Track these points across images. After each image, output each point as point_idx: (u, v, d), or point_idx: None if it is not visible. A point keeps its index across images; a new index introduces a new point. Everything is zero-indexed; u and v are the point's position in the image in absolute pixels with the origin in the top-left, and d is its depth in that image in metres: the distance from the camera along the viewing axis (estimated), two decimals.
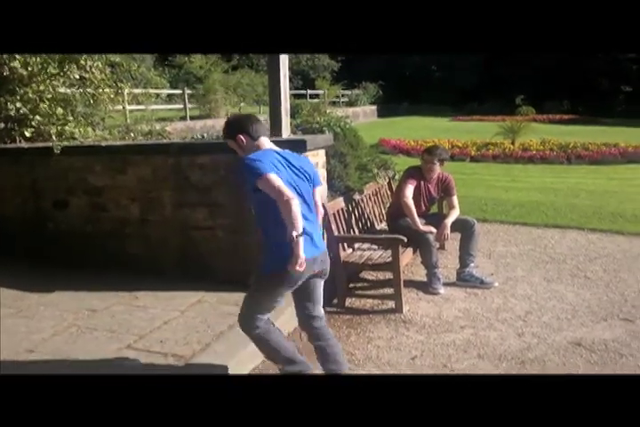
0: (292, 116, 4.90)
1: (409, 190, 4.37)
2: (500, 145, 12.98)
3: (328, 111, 5.13)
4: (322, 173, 4.17)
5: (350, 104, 29.32)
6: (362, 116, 29.03)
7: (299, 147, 3.77)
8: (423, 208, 4.60)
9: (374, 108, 31.54)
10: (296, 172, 2.51)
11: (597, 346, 3.31)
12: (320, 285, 2.71)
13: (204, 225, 4.03)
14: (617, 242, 5.58)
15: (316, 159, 4.05)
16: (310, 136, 4.27)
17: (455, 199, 4.65)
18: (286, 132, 4.15)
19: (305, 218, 2.41)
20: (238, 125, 2.60)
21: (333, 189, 4.55)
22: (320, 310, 2.76)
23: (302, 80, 28.80)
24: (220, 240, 3.99)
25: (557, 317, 3.77)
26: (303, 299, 2.70)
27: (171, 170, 4.09)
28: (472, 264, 4.46)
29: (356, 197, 4.69)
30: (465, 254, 4.47)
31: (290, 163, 2.51)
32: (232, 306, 3.48)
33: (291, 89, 21.93)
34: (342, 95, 28.86)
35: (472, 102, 33.78)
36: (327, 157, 4.46)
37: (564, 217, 6.56)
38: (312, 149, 3.90)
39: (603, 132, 18.56)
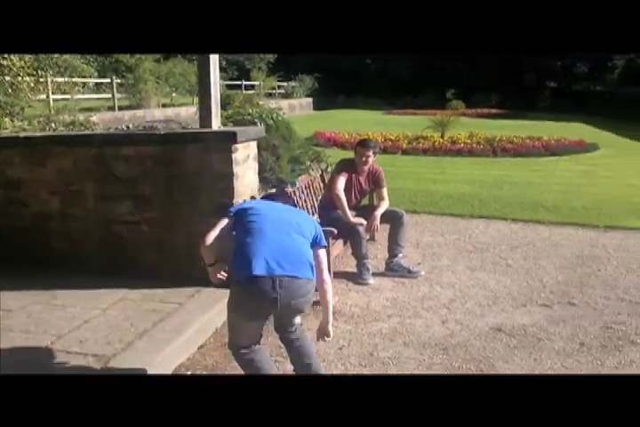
0: (224, 107, 4.82)
1: (341, 183, 4.41)
2: (431, 138, 13.31)
3: (261, 103, 5.06)
4: (253, 166, 4.15)
5: (286, 96, 29.21)
6: (298, 108, 28.99)
7: (228, 138, 3.75)
8: (354, 200, 4.66)
9: (310, 100, 31.58)
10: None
11: (517, 331, 3.48)
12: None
13: (128, 219, 3.92)
14: (538, 231, 5.86)
15: (247, 151, 4.02)
16: (241, 128, 4.23)
17: (385, 191, 4.74)
18: (216, 124, 4.09)
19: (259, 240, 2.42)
20: None
21: (265, 182, 4.53)
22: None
23: (238, 71, 28.37)
24: (146, 235, 3.89)
25: (480, 303, 3.92)
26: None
27: (93, 162, 3.95)
28: (400, 254, 4.56)
29: (289, 189, 4.69)
30: (394, 245, 4.57)
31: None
32: (157, 303, 3.42)
33: (226, 79, 21.61)
34: (278, 87, 28.71)
35: (406, 96, 34.43)
36: (259, 150, 4.44)
37: (489, 208, 6.83)
38: (243, 140, 3.86)
39: (528, 127, 19.38)
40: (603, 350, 3.19)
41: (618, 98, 27.93)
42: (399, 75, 35.83)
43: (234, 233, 2.59)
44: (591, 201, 7.16)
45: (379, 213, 4.52)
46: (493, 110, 29.28)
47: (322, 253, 2.63)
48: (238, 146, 3.78)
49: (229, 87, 21.45)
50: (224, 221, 2.62)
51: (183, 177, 3.79)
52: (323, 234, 2.69)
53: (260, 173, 4.33)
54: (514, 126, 19.34)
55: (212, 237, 2.57)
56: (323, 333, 2.72)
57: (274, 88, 27.95)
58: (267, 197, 2.93)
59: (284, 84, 29.45)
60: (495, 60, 32.98)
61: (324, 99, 32.92)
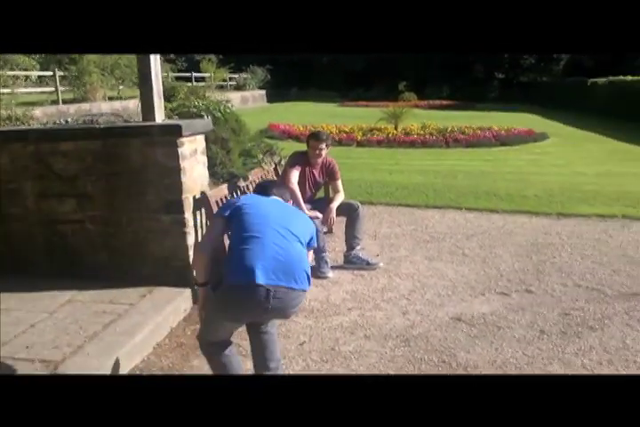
0: (168, 99, 4.62)
1: (294, 176, 4.31)
2: (384, 130, 13.34)
3: (208, 95, 4.88)
4: (202, 160, 3.99)
5: (238, 88, 28.80)
6: (251, 100, 28.63)
7: (173, 132, 3.58)
8: (309, 193, 4.57)
9: (263, 92, 31.25)
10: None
11: (476, 320, 3.46)
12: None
13: (71, 218, 3.70)
14: (492, 220, 5.91)
15: (194, 145, 3.85)
16: (187, 121, 4.04)
17: (340, 184, 4.67)
18: (160, 117, 3.89)
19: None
20: None
21: (216, 177, 4.38)
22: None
23: (187, 62, 27.70)
24: (91, 234, 3.68)
25: (439, 293, 3.90)
26: None
27: (30, 158, 3.70)
28: (358, 247, 4.50)
29: (241, 183, 4.55)
30: (351, 237, 4.50)
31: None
32: (107, 304, 3.24)
33: (174, 71, 21.06)
34: (230, 79, 28.24)
35: (359, 88, 34.51)
36: (208, 143, 4.27)
37: (444, 197, 6.86)
38: (189, 134, 3.70)
39: (478, 117, 19.72)
40: (563, 337, 3.21)
41: (563, 88, 28.73)
42: (352, 67, 35.86)
43: (228, 233, 2.51)
44: (543, 189, 7.29)
45: (334, 205, 4.44)
46: (444, 102, 29.69)
47: (310, 253, 2.63)
48: (184, 140, 3.62)
49: (178, 79, 20.93)
50: (218, 225, 2.54)
51: (127, 173, 3.60)
52: (316, 235, 2.64)
53: (209, 168, 4.16)
54: (465, 117, 19.64)
55: (208, 246, 2.49)
56: None
57: (225, 80, 27.46)
58: (260, 190, 2.76)
59: (236, 75, 28.99)
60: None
61: (278, 91, 32.65)
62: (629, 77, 20.49)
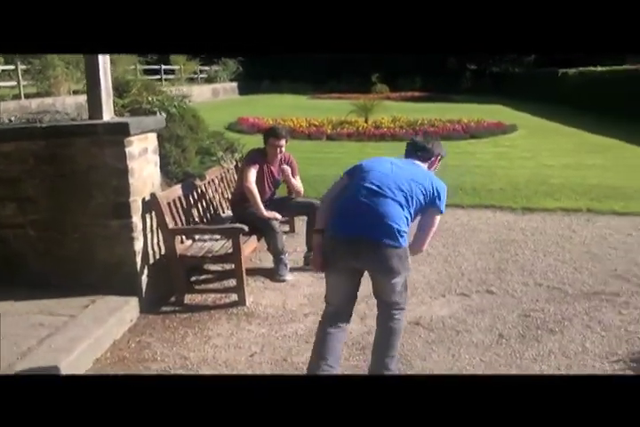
0: (121, 95, 4.42)
1: (252, 175, 4.16)
2: (355, 123, 13.22)
3: (163, 89, 4.68)
4: (153, 160, 3.82)
5: (209, 81, 28.39)
6: (222, 93, 28.27)
7: (120, 131, 3.40)
8: (268, 191, 4.43)
9: (235, 85, 30.87)
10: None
11: (435, 324, 3.38)
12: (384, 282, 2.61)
13: (12, 222, 3.51)
14: (456, 215, 5.84)
15: (145, 144, 3.69)
16: (136, 118, 3.87)
17: (299, 180, 4.58)
18: (108, 115, 3.71)
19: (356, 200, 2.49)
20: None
21: (169, 177, 4.20)
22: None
23: (156, 55, 27.16)
24: (32, 239, 3.50)
25: None
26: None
27: None
28: None
29: (198, 183, 4.39)
30: (311, 237, 4.38)
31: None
32: (45, 315, 3.07)
33: (142, 64, 20.63)
34: (200, 71, 27.79)
35: (331, 80, 34.30)
36: (161, 141, 4.10)
37: None
38: (138, 132, 3.53)
39: (450, 109, 19.72)
40: (521, 341, 3.14)
41: (534, 79, 28.93)
42: (322, 59, 35.56)
43: None
44: (509, 183, 7.26)
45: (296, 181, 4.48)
46: (417, 93, 29.68)
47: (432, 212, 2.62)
48: (133, 138, 3.45)
49: (147, 73, 20.51)
50: (340, 181, 2.68)
51: (72, 175, 3.42)
52: (439, 197, 2.61)
53: (163, 167, 4.00)
54: (437, 109, 19.62)
55: (327, 198, 2.69)
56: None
57: (195, 72, 27.03)
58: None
59: (207, 68, 28.55)
60: None
61: (250, 83, 32.29)
62: (599, 68, 20.66)
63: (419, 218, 2.64)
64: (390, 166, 2.58)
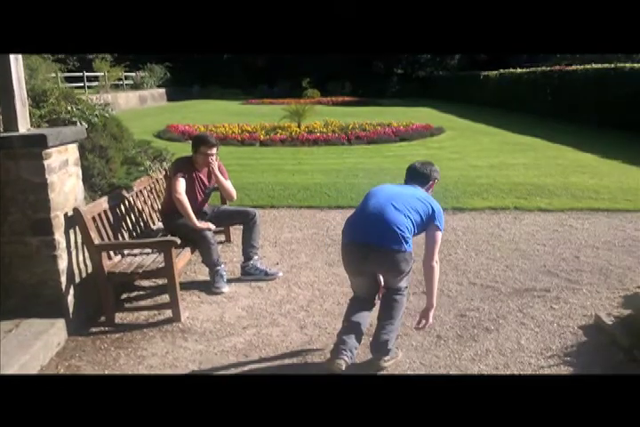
0: (37, 105, 4.16)
1: (181, 186, 4.03)
2: (288, 128, 13.20)
3: (84, 98, 4.45)
4: (75, 173, 3.62)
5: (136, 87, 27.60)
6: (150, 100, 27.57)
7: (37, 143, 3.20)
8: (200, 200, 4.30)
9: (163, 91, 30.19)
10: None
11: (373, 329, 3.36)
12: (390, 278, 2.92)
13: None
14: None
15: (65, 156, 3.48)
16: (55, 129, 3.64)
17: (230, 183, 4.49)
18: (24, 126, 3.48)
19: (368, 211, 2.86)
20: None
21: (94, 189, 3.99)
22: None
23: (79, 61, 26.09)
24: None
25: (338, 302, 3.79)
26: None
27: None
28: (256, 257, 4.31)
29: (125, 195, 4.20)
30: (248, 247, 4.30)
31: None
32: None
33: (64, 71, 19.83)
34: (126, 78, 26.98)
35: (262, 85, 34.20)
36: (83, 153, 3.90)
37: (345, 197, 6.81)
38: (57, 144, 3.33)
39: (380, 113, 20.09)
40: (459, 342, 3.19)
41: (458, 82, 29.97)
42: (255, 64, 35.45)
43: None
44: (439, 184, 7.40)
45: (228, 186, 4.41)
46: (347, 98, 30.08)
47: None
48: (51, 151, 3.25)
49: (69, 80, 19.65)
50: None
51: None
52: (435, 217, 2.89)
53: (86, 180, 3.80)
54: (367, 113, 19.94)
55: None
56: (423, 317, 2.92)
57: (121, 79, 26.21)
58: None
59: (133, 74, 27.76)
60: None
61: (179, 89, 31.69)
62: (518, 70, 21.66)
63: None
64: (395, 188, 3.03)
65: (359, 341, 2.83)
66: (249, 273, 4.25)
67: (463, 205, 6.36)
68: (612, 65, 14.79)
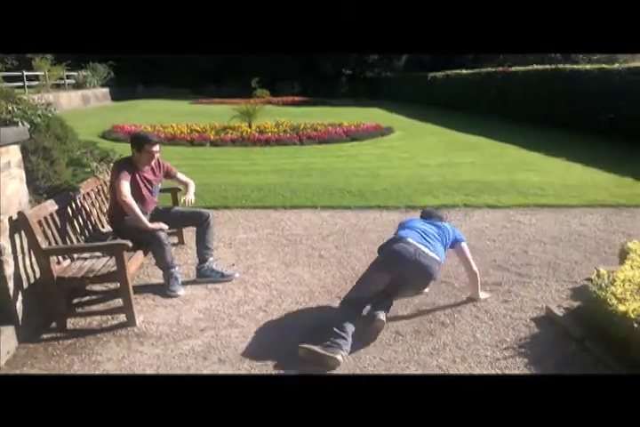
0: None
1: (125, 188, 3.91)
2: (239, 128, 13.09)
3: (24, 98, 4.26)
4: (17, 175, 3.46)
5: (78, 87, 26.69)
6: (93, 99, 26.74)
7: None
8: (149, 201, 4.20)
9: (107, 90, 29.35)
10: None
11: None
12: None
13: None
14: (346, 217, 5.95)
15: (7, 158, 3.32)
16: None
17: (183, 175, 4.52)
18: None
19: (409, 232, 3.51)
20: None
21: (38, 192, 3.83)
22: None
23: (18, 60, 24.97)
24: None
25: (296, 301, 3.78)
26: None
27: None
28: (211, 258, 4.24)
29: (72, 197, 4.05)
30: (203, 249, 4.23)
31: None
32: None
33: (1, 70, 18.97)
34: (68, 77, 26.05)
35: (211, 85, 33.74)
36: (26, 154, 3.73)
37: (299, 197, 6.80)
38: None
39: (330, 113, 20.20)
40: (417, 337, 3.24)
41: (405, 83, 30.46)
42: (201, 63, 34.92)
43: None
44: (391, 183, 7.54)
45: (191, 189, 4.41)
46: (297, 98, 30.08)
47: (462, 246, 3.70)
48: None
49: (7, 79, 18.82)
50: None
51: None
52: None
53: (30, 182, 3.64)
54: (317, 113, 20.01)
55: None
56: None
57: (62, 78, 25.28)
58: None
59: (74, 73, 26.84)
60: None
61: (123, 89, 30.89)
62: (464, 71, 22.21)
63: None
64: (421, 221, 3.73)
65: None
66: (205, 275, 4.18)
67: (415, 203, 6.46)
68: (553, 66, 15.37)
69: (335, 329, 3.04)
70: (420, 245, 3.34)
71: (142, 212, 3.94)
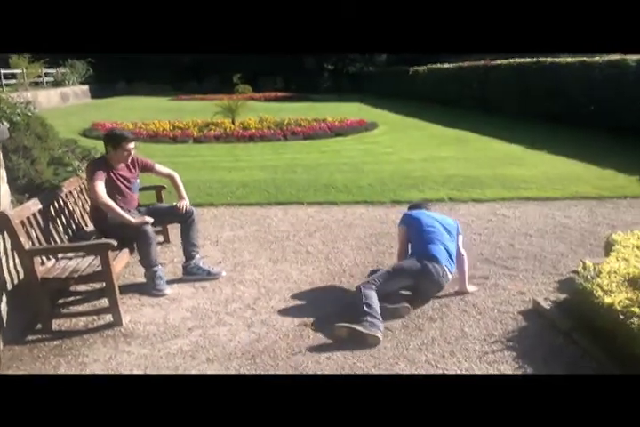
0: None
1: (101, 189, 3.83)
2: (222, 125, 13.00)
3: (3, 96, 4.18)
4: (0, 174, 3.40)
5: (57, 84, 26.34)
6: (73, 97, 26.42)
7: None
8: (129, 198, 4.14)
9: (86, 87, 29.00)
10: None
11: (322, 324, 3.36)
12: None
13: None
14: (332, 213, 5.94)
15: None
16: None
17: (162, 167, 4.46)
18: None
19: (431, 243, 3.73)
20: None
21: (20, 192, 3.76)
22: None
23: None
24: None
25: (284, 298, 3.76)
26: None
27: None
28: (198, 255, 4.21)
29: (54, 196, 3.99)
30: (188, 246, 4.19)
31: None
32: None
33: None
34: (46, 75, 25.69)
35: (192, 81, 33.47)
36: (6, 153, 3.66)
37: (285, 193, 6.78)
38: None
39: (314, 108, 20.17)
40: (405, 332, 3.24)
41: (388, 77, 30.47)
42: (181, 59, 34.61)
43: None
44: (376, 178, 7.54)
45: (182, 190, 4.35)
46: (280, 93, 29.97)
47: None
48: None
49: None
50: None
51: None
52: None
53: (11, 182, 3.57)
54: (300, 109, 19.96)
55: None
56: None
57: (40, 76, 24.92)
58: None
59: (53, 71, 26.47)
60: None
61: (103, 86, 30.58)
62: (446, 65, 22.28)
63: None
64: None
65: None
66: (191, 273, 4.15)
67: (400, 198, 6.48)
68: (535, 59, 15.47)
69: (366, 310, 3.24)
70: (445, 267, 3.61)
71: (125, 210, 3.89)
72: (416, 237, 3.82)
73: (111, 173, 4.00)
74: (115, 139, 4.03)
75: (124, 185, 4.10)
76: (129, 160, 4.13)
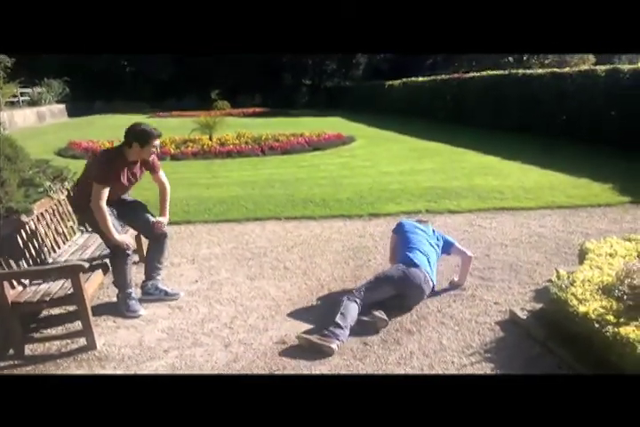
0: None
1: (104, 193, 3.63)
2: (199, 141, 12.97)
3: None
4: None
5: (33, 104, 26.08)
6: (49, 116, 26.17)
7: None
8: (123, 191, 4.04)
9: (63, 106, 28.77)
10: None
11: (301, 340, 3.33)
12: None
13: None
14: (310, 228, 5.93)
15: None
16: None
17: (164, 174, 4.26)
18: None
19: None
20: None
21: None
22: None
23: None
24: None
25: (262, 316, 3.73)
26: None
27: None
28: (159, 277, 4.13)
29: (24, 219, 3.91)
30: (152, 267, 4.10)
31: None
32: None
33: None
34: (22, 94, 25.43)
35: (170, 98, 33.43)
36: None
37: (263, 209, 6.76)
38: None
39: (291, 123, 20.23)
40: (384, 346, 3.22)
41: (364, 91, 30.79)
42: (159, 76, 34.59)
43: None
44: (354, 192, 7.56)
45: (166, 209, 4.24)
46: (258, 109, 30.09)
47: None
48: None
49: None
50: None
51: None
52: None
53: None
54: (278, 124, 20.02)
55: None
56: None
57: (16, 95, 24.64)
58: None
59: (29, 90, 26.22)
60: (253, 60, 33.83)
61: (80, 104, 30.37)
62: (420, 78, 22.59)
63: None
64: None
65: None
66: (148, 293, 4.07)
67: (378, 210, 6.50)
68: (507, 72, 15.76)
69: (336, 320, 3.31)
70: (427, 273, 3.74)
71: (114, 196, 3.81)
72: (400, 244, 4.03)
73: (125, 169, 3.84)
74: (145, 135, 3.77)
75: (128, 181, 3.94)
76: (151, 157, 3.95)
